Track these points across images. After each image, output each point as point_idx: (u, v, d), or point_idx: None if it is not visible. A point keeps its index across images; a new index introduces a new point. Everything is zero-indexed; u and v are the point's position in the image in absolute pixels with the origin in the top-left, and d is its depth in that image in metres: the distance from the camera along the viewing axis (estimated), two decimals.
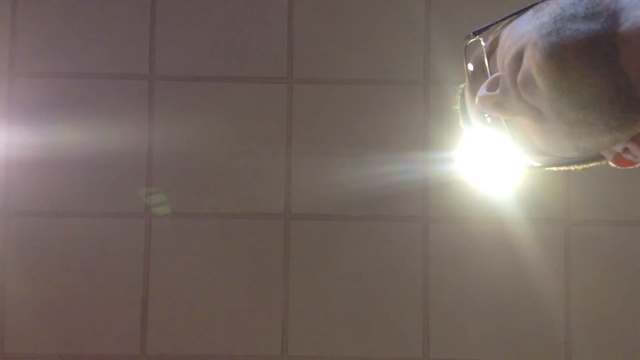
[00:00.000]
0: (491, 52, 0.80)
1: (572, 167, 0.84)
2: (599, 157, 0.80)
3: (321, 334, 2.33)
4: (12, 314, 2.32)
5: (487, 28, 0.80)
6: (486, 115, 0.80)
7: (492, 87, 0.76)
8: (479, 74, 0.80)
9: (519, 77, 0.71)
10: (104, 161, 2.33)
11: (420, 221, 2.34)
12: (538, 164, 0.84)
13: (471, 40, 0.80)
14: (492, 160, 2.34)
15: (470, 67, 0.80)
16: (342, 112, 2.36)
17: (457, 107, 0.89)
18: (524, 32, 0.72)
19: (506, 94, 0.74)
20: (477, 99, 0.76)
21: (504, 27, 0.79)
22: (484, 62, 0.79)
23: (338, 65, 2.37)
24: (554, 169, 0.85)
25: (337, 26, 2.39)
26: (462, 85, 0.87)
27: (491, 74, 0.77)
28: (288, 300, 2.33)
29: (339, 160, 2.32)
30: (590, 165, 0.83)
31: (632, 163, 0.76)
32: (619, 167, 0.78)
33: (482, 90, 0.76)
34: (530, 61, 0.70)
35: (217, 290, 2.33)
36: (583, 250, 2.36)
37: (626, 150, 0.75)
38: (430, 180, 2.33)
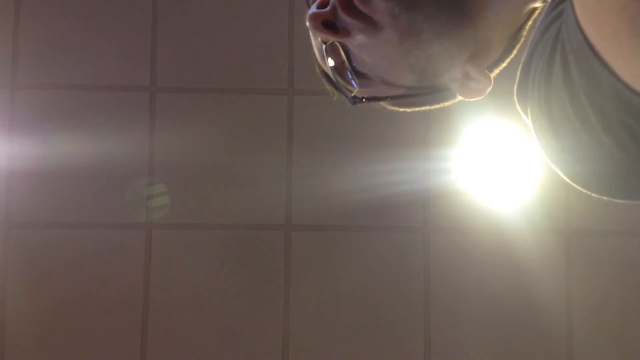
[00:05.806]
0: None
1: (424, 106, 0.74)
2: (444, 89, 0.71)
3: (322, 345, 2.32)
4: (13, 325, 2.31)
5: None
6: (323, 44, 0.72)
7: (323, 4, 0.70)
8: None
9: None
10: (105, 172, 2.34)
11: (421, 231, 2.34)
12: (385, 101, 0.73)
13: None
14: (493, 170, 2.35)
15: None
16: (342, 123, 2.36)
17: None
18: None
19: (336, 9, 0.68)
20: (307, 20, 0.70)
21: None
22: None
23: None
24: (407, 109, 0.76)
25: None
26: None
27: None
28: (289, 311, 2.33)
29: (340, 171, 2.33)
30: (442, 102, 0.73)
31: (478, 93, 0.70)
32: (467, 100, 0.71)
33: (312, 9, 0.70)
34: None
35: (217, 301, 2.33)
36: (584, 260, 2.36)
37: (467, 75, 0.68)
38: (431, 190, 2.34)
